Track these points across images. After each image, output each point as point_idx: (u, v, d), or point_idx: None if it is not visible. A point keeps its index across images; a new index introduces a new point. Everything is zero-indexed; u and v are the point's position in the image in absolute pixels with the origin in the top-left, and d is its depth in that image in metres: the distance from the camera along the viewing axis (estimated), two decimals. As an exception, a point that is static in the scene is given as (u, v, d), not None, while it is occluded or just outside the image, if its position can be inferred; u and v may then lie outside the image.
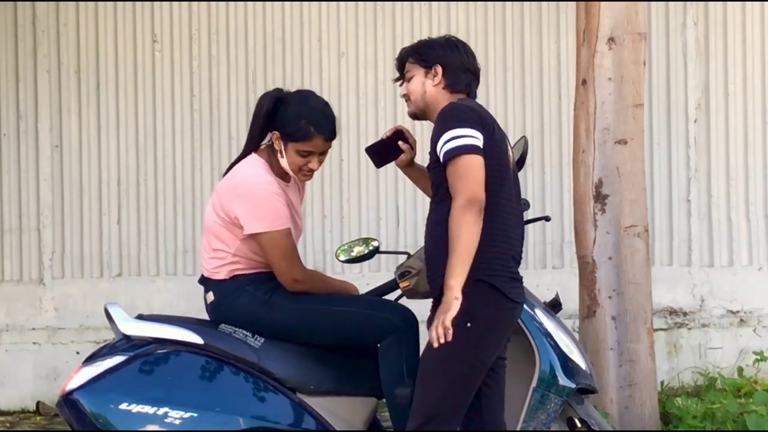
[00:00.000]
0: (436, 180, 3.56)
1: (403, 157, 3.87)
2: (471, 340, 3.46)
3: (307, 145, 3.81)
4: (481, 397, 3.64)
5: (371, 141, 6.33)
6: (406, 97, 3.72)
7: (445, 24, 6.57)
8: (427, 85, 3.66)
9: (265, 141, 3.91)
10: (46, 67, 6.60)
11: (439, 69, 3.64)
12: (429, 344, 3.50)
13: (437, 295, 3.54)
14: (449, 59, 3.66)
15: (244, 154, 3.90)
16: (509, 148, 3.64)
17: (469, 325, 3.43)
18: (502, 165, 3.53)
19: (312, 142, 3.81)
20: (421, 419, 3.52)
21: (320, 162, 3.88)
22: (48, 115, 6.61)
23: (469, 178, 3.40)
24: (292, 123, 3.80)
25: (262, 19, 6.66)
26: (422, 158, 3.81)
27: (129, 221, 6.61)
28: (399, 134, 3.85)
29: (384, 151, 3.88)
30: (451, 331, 3.32)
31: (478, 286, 3.45)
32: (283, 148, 3.81)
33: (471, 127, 3.45)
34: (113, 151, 6.62)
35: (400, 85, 3.78)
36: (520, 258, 3.64)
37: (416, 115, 3.73)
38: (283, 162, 3.83)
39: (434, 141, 3.50)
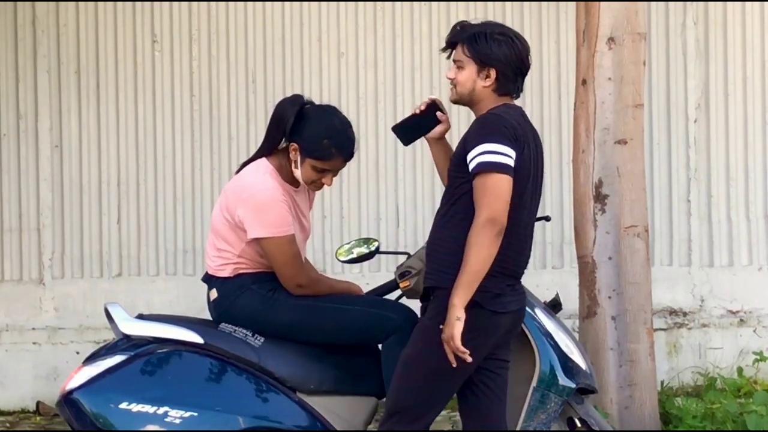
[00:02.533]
0: (455, 181, 3.54)
1: (439, 128, 3.78)
2: (441, 341, 3.44)
3: (326, 164, 3.82)
4: (480, 396, 3.64)
5: (371, 141, 6.42)
6: (453, 81, 3.63)
7: (445, 24, 6.56)
8: (478, 84, 3.58)
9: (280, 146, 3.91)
10: (46, 67, 6.60)
11: (493, 73, 3.56)
12: (409, 341, 3.57)
13: (425, 294, 3.61)
14: (506, 64, 3.56)
15: (256, 157, 3.90)
16: (534, 159, 3.57)
17: (441, 326, 3.44)
18: (521, 183, 3.51)
19: (331, 162, 3.83)
20: (386, 414, 3.57)
21: (332, 178, 3.89)
22: (48, 115, 6.60)
23: (496, 197, 3.39)
24: (314, 140, 3.79)
25: (262, 19, 6.66)
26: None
27: (129, 221, 6.61)
28: (434, 106, 3.78)
29: (415, 127, 3.79)
30: (463, 351, 3.35)
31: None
32: (299, 160, 3.81)
33: (507, 145, 3.42)
34: (113, 151, 6.62)
35: (447, 57, 3.69)
36: (521, 270, 3.63)
37: (459, 103, 3.67)
38: (297, 173, 3.83)
39: (467, 146, 3.48)
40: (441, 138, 3.85)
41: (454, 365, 3.39)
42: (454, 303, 3.36)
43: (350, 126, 3.90)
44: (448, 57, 3.70)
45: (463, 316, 3.35)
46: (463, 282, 3.37)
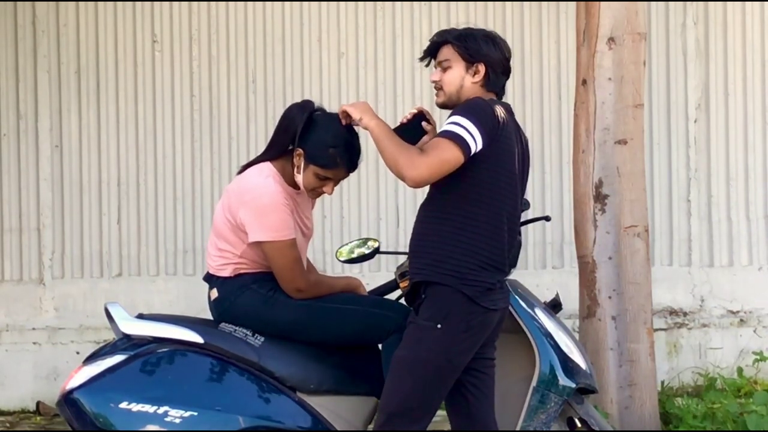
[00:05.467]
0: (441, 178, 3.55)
1: (426, 138, 3.75)
2: (440, 341, 3.47)
3: (329, 172, 3.81)
4: (469, 397, 3.65)
5: (371, 141, 6.40)
6: (438, 85, 3.65)
7: (445, 24, 6.56)
8: (466, 81, 3.60)
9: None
10: (46, 67, 6.61)
11: (482, 68, 3.59)
12: (402, 343, 3.55)
13: (413, 291, 3.60)
14: (493, 59, 3.60)
15: (260, 159, 3.89)
16: (519, 155, 3.59)
17: (439, 326, 3.46)
18: (500, 174, 3.51)
19: (334, 171, 3.82)
20: (385, 417, 3.55)
21: (334, 187, 3.89)
22: (48, 115, 6.61)
23: (440, 160, 3.39)
24: (319, 148, 3.78)
25: (262, 19, 6.66)
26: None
27: (129, 221, 6.61)
28: (420, 116, 3.75)
29: (402, 137, 3.76)
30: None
31: (451, 293, 3.47)
32: (302, 166, 3.81)
33: (477, 127, 3.42)
34: (113, 151, 6.62)
35: (426, 65, 3.72)
36: (507, 265, 3.62)
37: (446, 106, 3.66)
38: (298, 178, 3.83)
39: None
40: None
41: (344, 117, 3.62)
42: (369, 123, 3.56)
43: (357, 137, 3.90)
44: (427, 65, 3.72)
45: (371, 124, 3.57)
46: (381, 131, 3.52)
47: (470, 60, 3.59)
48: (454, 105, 3.61)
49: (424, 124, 3.76)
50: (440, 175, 3.42)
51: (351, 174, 3.93)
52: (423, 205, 3.64)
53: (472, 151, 3.41)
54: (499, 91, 3.67)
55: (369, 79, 6.65)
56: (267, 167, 3.84)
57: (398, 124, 3.81)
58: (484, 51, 3.59)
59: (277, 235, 3.74)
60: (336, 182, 3.88)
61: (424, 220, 3.60)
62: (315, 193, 3.90)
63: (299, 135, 3.80)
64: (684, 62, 6.70)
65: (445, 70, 3.63)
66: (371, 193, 6.64)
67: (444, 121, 3.51)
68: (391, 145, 3.47)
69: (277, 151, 3.87)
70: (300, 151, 3.80)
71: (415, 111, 3.76)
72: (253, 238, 3.75)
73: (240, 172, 3.93)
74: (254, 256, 3.82)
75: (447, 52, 3.63)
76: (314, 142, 3.79)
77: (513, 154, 3.54)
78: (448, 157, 3.40)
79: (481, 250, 3.49)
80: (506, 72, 3.67)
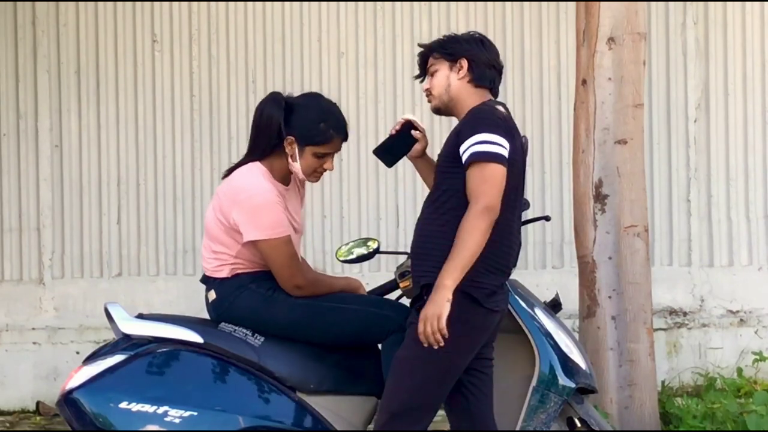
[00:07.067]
0: (447, 177, 3.54)
1: (417, 146, 3.81)
2: (442, 342, 3.46)
3: (327, 147, 3.84)
4: (468, 397, 3.66)
5: (371, 141, 6.41)
6: (428, 92, 3.69)
7: (445, 24, 6.58)
8: (452, 79, 3.64)
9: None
10: (46, 67, 6.61)
11: (465, 62, 3.62)
12: (404, 343, 3.55)
13: (419, 293, 3.59)
14: (475, 53, 3.64)
15: (247, 160, 3.89)
16: (519, 157, 3.60)
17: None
18: (516, 176, 3.53)
19: (331, 144, 3.85)
20: (387, 416, 3.56)
21: (332, 162, 3.90)
22: (48, 115, 6.61)
23: (494, 186, 3.41)
24: (310, 127, 3.80)
25: (262, 19, 6.66)
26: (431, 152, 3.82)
27: (129, 221, 6.61)
28: (408, 125, 3.81)
29: (394, 148, 3.83)
30: (444, 333, 3.32)
31: (455, 294, 3.45)
32: (297, 152, 3.81)
33: (501, 135, 3.45)
34: (113, 151, 6.62)
35: (421, 81, 3.76)
36: (512, 267, 3.64)
37: (439, 110, 3.70)
38: (296, 166, 3.83)
39: (461, 139, 3.48)
40: (422, 155, 3.87)
41: (425, 345, 3.35)
42: (446, 284, 3.33)
43: (337, 105, 3.93)
44: (422, 80, 3.76)
45: (451, 298, 3.34)
46: (458, 266, 3.36)
47: (452, 58, 3.64)
48: (446, 106, 3.66)
49: (413, 132, 3.79)
50: (501, 194, 3.44)
51: (349, 164, 3.92)
52: (427, 206, 3.63)
53: (507, 159, 3.46)
54: (492, 87, 3.69)
55: (369, 79, 6.66)
56: (256, 166, 3.85)
57: (387, 136, 3.83)
58: (464, 47, 3.64)
59: (272, 232, 3.74)
60: (333, 155, 3.89)
61: (429, 221, 3.59)
62: (316, 175, 3.90)
63: (283, 125, 3.81)
64: (684, 62, 6.70)
65: (432, 75, 3.68)
66: (371, 193, 6.64)
67: (437, 127, 3.51)
68: (468, 246, 3.37)
69: (262, 150, 3.87)
70: (291, 138, 3.81)
71: (403, 121, 3.80)
72: (248, 237, 3.75)
73: (226, 175, 3.93)
74: (250, 255, 3.82)
75: (432, 60, 3.70)
76: (303, 124, 3.81)
77: (515, 154, 3.54)
78: (501, 178, 3.43)
79: (487, 253, 3.48)
80: (494, 67, 3.68)
